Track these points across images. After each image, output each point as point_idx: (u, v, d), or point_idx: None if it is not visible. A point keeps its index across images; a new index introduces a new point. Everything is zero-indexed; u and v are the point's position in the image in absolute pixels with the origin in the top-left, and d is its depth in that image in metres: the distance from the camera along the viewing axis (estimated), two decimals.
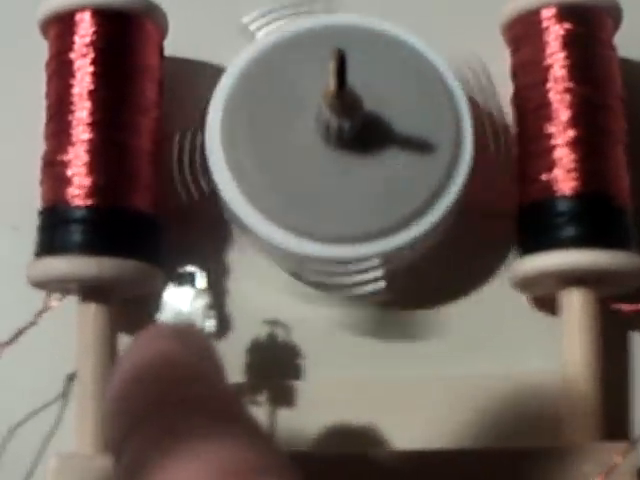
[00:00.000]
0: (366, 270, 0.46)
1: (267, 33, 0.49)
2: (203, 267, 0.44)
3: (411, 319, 0.50)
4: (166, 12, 0.49)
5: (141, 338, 0.33)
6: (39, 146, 0.47)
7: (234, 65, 0.48)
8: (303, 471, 0.27)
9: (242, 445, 0.27)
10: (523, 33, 0.50)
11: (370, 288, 0.46)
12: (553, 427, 0.46)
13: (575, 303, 0.47)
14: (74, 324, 0.46)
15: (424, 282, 0.50)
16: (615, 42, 0.51)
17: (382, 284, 0.46)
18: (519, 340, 0.50)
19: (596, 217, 0.47)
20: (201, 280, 0.44)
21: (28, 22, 0.48)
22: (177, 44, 0.51)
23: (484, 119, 0.49)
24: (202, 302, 0.44)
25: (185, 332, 0.35)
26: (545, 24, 0.49)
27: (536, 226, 0.48)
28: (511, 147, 0.50)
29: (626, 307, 0.49)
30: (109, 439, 0.30)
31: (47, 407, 0.48)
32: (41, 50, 0.48)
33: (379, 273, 0.46)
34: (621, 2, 0.50)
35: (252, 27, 0.50)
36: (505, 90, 0.51)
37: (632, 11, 0.51)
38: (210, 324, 0.43)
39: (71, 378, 0.47)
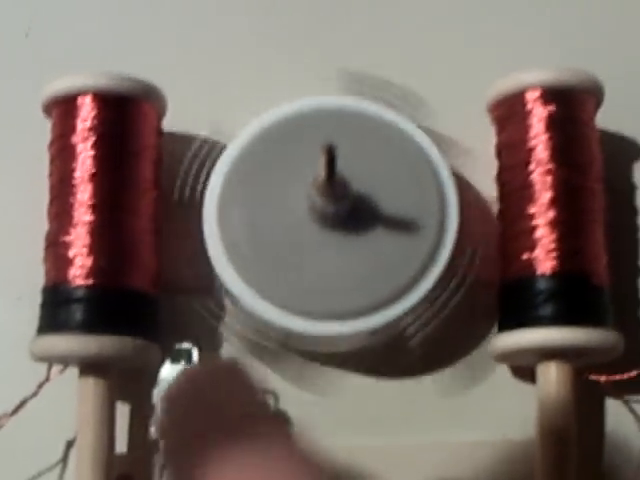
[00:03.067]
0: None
1: (265, 115, 0.51)
2: (196, 340, 0.47)
3: (396, 388, 0.52)
4: (166, 89, 0.51)
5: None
6: (44, 222, 0.49)
7: (232, 145, 0.50)
8: None
9: None
10: (508, 114, 0.52)
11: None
12: None
13: (552, 376, 0.49)
14: (74, 393, 0.48)
15: (411, 352, 0.52)
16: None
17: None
18: (500, 408, 0.52)
19: (574, 295, 0.49)
20: (195, 355, 0.46)
21: (33, 102, 0.50)
22: (176, 120, 0.53)
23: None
24: None
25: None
26: (529, 106, 0.51)
27: (516, 303, 0.50)
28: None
29: (604, 378, 0.51)
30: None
31: (48, 472, 0.50)
32: (46, 129, 0.50)
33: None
34: (602, 76, 0.52)
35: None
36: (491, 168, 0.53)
37: (612, 85, 0.53)
38: None
39: (70, 444, 0.49)
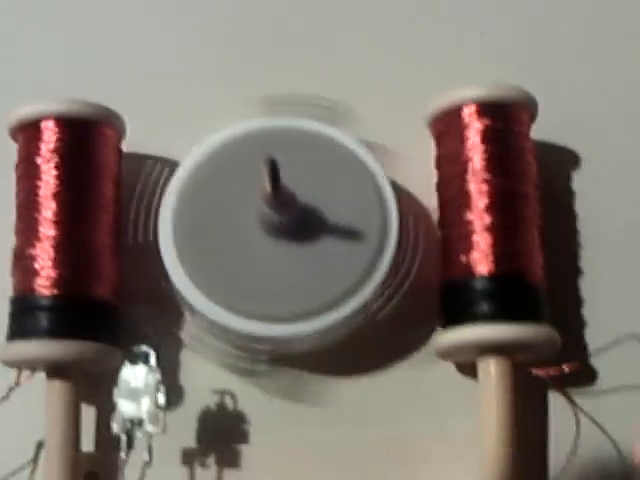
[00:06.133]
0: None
1: (216, 134, 0.55)
2: (157, 344, 0.50)
3: (347, 386, 0.55)
4: (126, 113, 0.55)
5: None
6: (12, 237, 0.53)
7: (186, 162, 0.54)
8: None
9: None
10: (446, 128, 0.55)
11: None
12: None
13: (491, 371, 0.52)
14: (42, 396, 0.51)
15: (361, 351, 0.55)
16: (534, 127, 0.56)
17: None
18: (447, 403, 0.55)
19: (509, 294, 0.52)
20: (153, 358, 0.50)
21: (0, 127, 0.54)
22: (135, 141, 0.56)
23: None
24: (154, 378, 0.50)
25: None
26: (466, 120, 0.55)
27: (455, 302, 0.53)
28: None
29: (542, 372, 0.54)
30: None
31: (20, 471, 0.53)
32: (13, 152, 0.54)
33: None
34: (538, 88, 0.56)
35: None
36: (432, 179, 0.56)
37: (550, 97, 0.56)
38: (161, 398, 0.50)
39: (40, 445, 0.52)
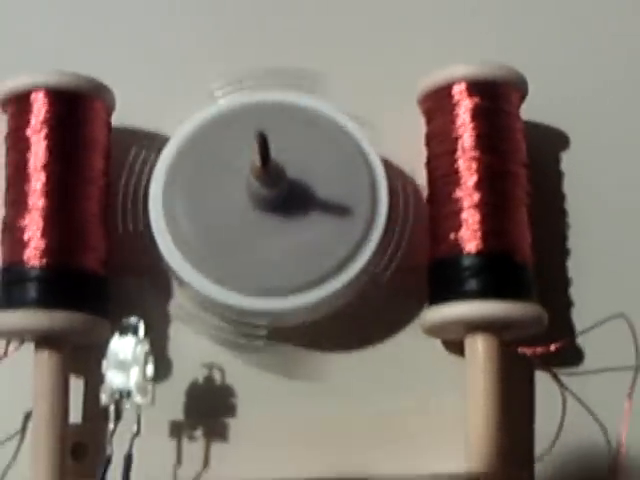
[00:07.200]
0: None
1: (206, 109, 0.55)
2: (146, 317, 0.50)
3: (335, 361, 0.55)
4: (116, 87, 0.55)
5: None
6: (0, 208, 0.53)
7: (175, 136, 0.54)
8: None
9: None
10: (436, 106, 0.56)
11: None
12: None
13: (478, 348, 0.52)
14: (30, 368, 0.51)
15: (348, 327, 0.55)
16: (524, 108, 0.57)
17: None
18: (434, 380, 0.55)
19: (498, 271, 0.53)
20: (142, 329, 0.50)
21: None
22: (125, 115, 0.57)
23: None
24: (143, 349, 0.50)
25: None
26: (456, 98, 0.55)
27: (444, 279, 0.53)
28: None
29: (529, 350, 0.54)
30: None
31: (7, 441, 0.53)
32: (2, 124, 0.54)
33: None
34: (531, 69, 0.56)
35: (218, 93, 0.56)
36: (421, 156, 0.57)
37: (540, 77, 0.57)
38: (150, 369, 0.50)
39: (28, 416, 0.52)
